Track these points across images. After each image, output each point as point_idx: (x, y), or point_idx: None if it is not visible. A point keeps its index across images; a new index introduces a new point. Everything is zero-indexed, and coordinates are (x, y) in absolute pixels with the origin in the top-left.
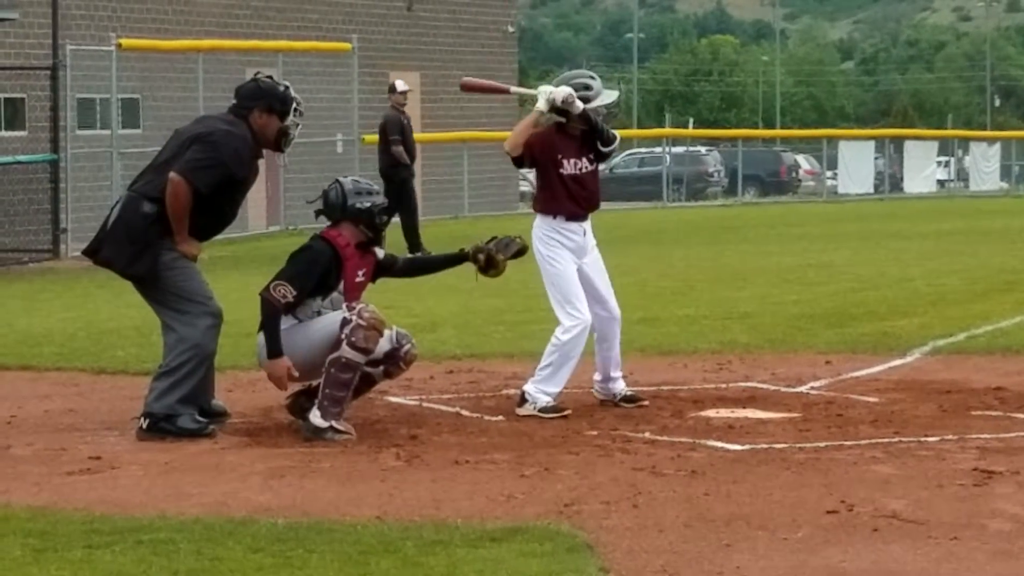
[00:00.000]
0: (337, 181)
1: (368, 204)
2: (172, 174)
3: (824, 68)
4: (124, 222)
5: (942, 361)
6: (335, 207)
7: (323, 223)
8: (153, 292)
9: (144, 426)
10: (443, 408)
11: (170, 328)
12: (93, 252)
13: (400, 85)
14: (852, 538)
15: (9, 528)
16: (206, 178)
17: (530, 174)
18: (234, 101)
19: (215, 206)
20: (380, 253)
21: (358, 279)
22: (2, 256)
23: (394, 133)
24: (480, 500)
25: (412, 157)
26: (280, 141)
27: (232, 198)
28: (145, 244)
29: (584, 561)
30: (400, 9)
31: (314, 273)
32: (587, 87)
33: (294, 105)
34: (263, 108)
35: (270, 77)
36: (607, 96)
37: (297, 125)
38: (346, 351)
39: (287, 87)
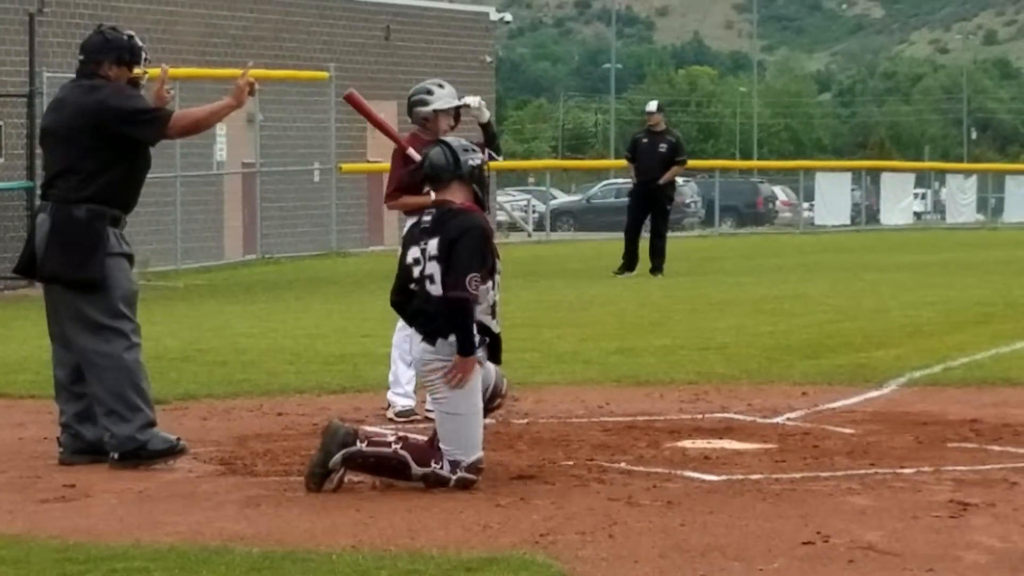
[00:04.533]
0: (439, 141)
1: (478, 161)
2: (167, 134)
3: (801, 100)
4: (60, 232)
5: (918, 393)
6: (446, 168)
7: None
8: (89, 302)
9: (116, 456)
10: (418, 437)
11: (83, 355)
12: (27, 271)
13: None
14: (828, 569)
15: None
16: (152, 111)
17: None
18: (80, 58)
19: (132, 159)
20: None
21: None
22: None
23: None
24: (455, 530)
25: (646, 176)
26: None
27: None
28: (89, 248)
29: None
30: (378, 38)
31: (489, 248)
32: (428, 91)
33: (143, 55)
34: (113, 60)
35: (114, 28)
36: (443, 100)
37: (145, 74)
38: (418, 477)
39: (131, 36)
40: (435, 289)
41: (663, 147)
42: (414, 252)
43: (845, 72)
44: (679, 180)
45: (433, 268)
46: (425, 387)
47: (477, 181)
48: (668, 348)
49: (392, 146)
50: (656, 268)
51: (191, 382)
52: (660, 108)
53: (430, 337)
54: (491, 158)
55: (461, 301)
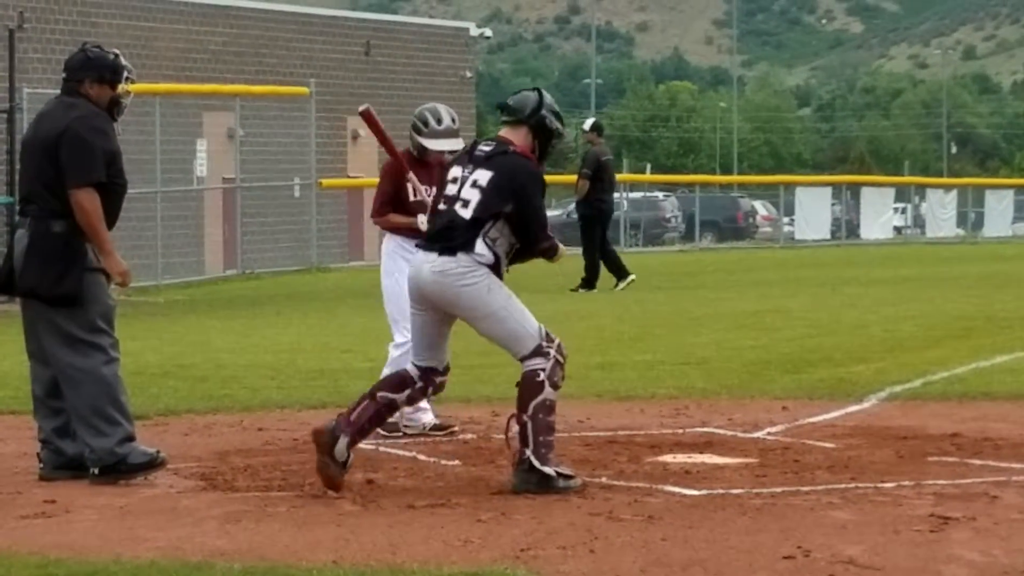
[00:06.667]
0: (536, 89)
1: (557, 126)
2: (72, 192)
3: (781, 114)
4: (37, 247)
5: (898, 407)
6: (523, 107)
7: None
8: (67, 316)
9: (96, 472)
10: (399, 452)
11: (61, 369)
12: (5, 287)
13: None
14: None
15: None
16: (96, 168)
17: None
18: (63, 75)
19: (110, 175)
20: None
21: None
22: None
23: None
24: (436, 545)
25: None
26: (113, 110)
27: (118, 170)
28: (67, 263)
29: None
30: (358, 54)
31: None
32: (425, 122)
33: (125, 73)
34: (94, 78)
35: (98, 47)
36: (436, 143)
37: (128, 93)
38: (550, 393)
39: (116, 55)
40: (465, 213)
41: None
42: (456, 171)
43: (825, 87)
44: (659, 195)
45: (471, 195)
46: (455, 311)
47: (542, 144)
48: (649, 363)
49: (382, 160)
50: (582, 283)
51: (172, 397)
52: (592, 127)
53: (450, 252)
54: None
55: (553, 247)
